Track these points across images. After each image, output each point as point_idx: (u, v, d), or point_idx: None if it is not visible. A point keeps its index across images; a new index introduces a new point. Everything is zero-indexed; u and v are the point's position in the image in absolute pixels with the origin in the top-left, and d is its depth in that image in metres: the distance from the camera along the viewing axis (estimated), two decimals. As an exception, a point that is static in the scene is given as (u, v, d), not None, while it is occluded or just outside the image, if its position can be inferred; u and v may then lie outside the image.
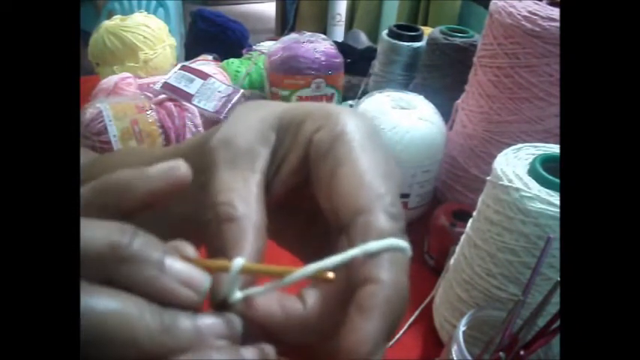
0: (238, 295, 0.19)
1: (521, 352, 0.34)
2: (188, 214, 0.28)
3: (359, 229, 0.19)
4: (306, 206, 0.24)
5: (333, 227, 0.22)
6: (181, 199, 0.28)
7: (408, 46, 0.79)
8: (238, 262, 0.18)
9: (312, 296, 0.20)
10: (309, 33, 0.78)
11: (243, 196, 0.21)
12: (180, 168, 0.20)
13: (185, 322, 0.17)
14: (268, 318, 0.19)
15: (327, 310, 0.19)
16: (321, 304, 0.20)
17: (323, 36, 0.78)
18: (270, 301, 0.19)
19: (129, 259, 0.16)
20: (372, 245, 0.19)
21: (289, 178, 0.23)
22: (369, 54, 0.90)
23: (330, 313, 0.19)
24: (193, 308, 0.18)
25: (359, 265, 0.19)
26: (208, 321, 0.18)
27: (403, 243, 0.19)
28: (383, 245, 0.19)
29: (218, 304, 0.19)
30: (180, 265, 0.18)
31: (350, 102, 0.81)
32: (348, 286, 0.19)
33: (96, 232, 0.16)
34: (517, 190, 0.38)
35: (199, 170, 0.25)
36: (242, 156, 0.22)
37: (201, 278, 0.18)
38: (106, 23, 0.86)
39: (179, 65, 0.77)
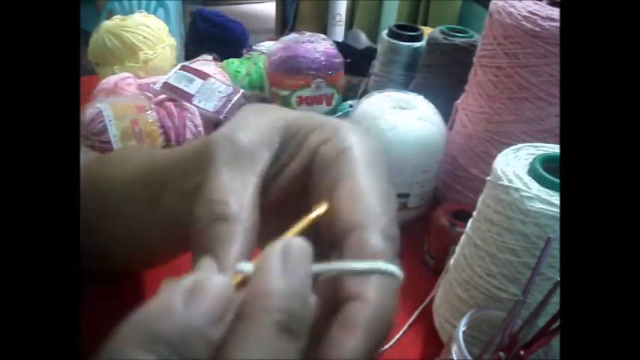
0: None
1: (521, 352, 0.34)
2: (180, 216, 0.28)
3: (353, 244, 0.19)
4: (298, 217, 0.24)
5: (325, 242, 0.21)
6: (175, 200, 0.28)
7: (408, 46, 0.79)
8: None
9: None
10: (309, 33, 0.78)
11: (239, 197, 0.21)
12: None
13: None
14: None
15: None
16: None
17: (323, 36, 0.78)
18: None
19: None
20: (364, 265, 0.18)
21: (288, 185, 0.23)
22: (369, 54, 0.90)
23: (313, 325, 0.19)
24: None
25: (347, 281, 0.19)
26: None
27: (395, 268, 0.19)
28: (374, 267, 0.18)
29: None
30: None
31: (350, 102, 0.81)
32: (332, 300, 0.19)
33: None
34: (517, 190, 0.38)
35: (197, 171, 0.25)
36: (243, 155, 0.22)
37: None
38: (106, 23, 0.86)
39: (179, 65, 0.77)
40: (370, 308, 0.18)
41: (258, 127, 0.23)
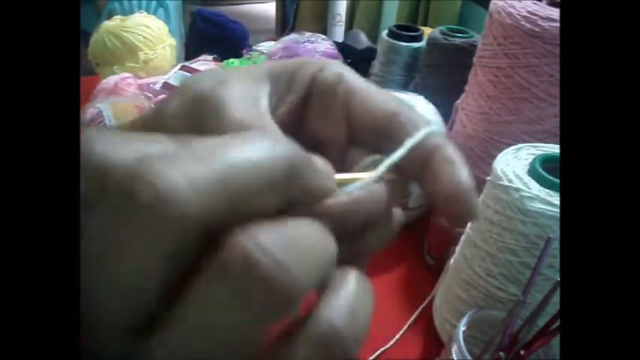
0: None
1: (521, 352, 0.34)
2: None
3: (406, 121, 0.21)
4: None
5: (341, 149, 0.22)
6: None
7: (407, 46, 0.79)
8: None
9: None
10: (309, 33, 0.78)
11: (273, 129, 0.21)
12: None
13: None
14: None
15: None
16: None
17: (323, 36, 0.79)
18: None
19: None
20: (433, 128, 0.20)
21: (286, 117, 0.23)
22: (369, 54, 0.90)
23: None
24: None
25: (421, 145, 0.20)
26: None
27: (436, 128, 0.21)
28: (438, 130, 0.20)
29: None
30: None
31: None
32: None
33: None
34: (517, 190, 0.38)
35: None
36: (245, 95, 0.22)
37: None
38: (106, 23, 0.86)
39: (179, 65, 0.77)
40: (457, 153, 0.20)
41: (244, 75, 0.23)
